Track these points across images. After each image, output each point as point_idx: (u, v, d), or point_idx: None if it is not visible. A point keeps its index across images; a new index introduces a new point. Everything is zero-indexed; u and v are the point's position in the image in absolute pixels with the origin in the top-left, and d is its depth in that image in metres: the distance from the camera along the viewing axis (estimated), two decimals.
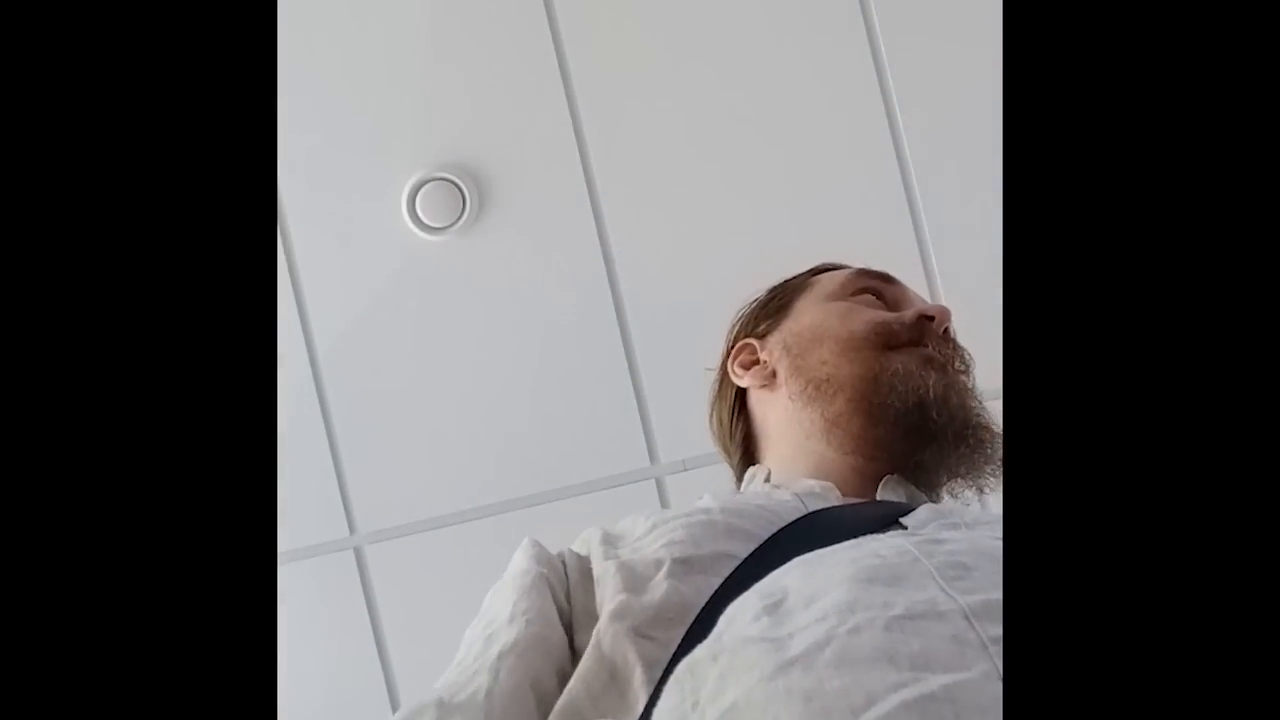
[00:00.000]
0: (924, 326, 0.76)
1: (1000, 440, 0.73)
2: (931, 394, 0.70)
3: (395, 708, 1.40)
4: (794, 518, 0.61)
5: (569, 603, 0.60)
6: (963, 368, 0.76)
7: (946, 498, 0.75)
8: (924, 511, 0.60)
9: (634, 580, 0.57)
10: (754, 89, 1.41)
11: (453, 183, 1.40)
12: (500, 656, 0.55)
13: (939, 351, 0.74)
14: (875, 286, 0.82)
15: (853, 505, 0.65)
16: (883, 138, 1.40)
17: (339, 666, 1.40)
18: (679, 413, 1.37)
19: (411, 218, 1.40)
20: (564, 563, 0.64)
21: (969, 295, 1.35)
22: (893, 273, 0.85)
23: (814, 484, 0.69)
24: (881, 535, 0.54)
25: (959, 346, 0.78)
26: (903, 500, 0.68)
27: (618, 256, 1.41)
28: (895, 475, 0.71)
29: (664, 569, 0.57)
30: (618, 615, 0.54)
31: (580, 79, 1.41)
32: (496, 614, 0.59)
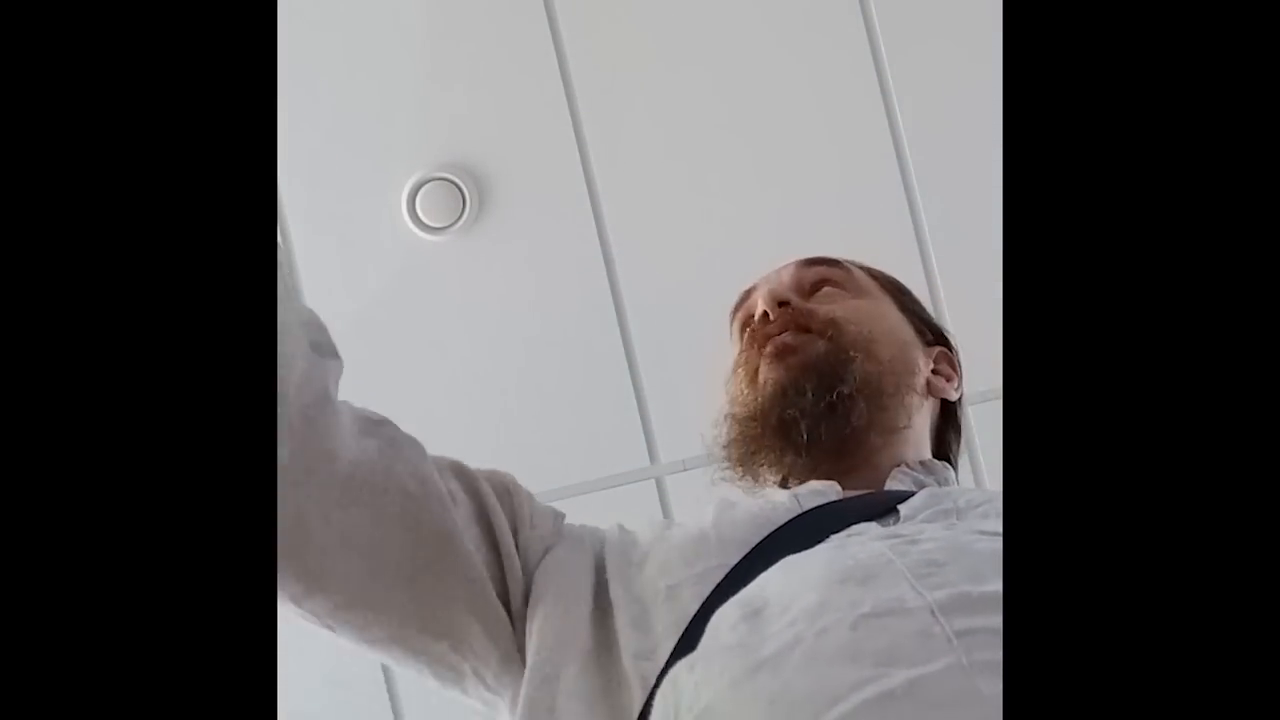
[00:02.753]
0: (756, 334, 0.75)
1: (878, 389, 0.72)
2: (770, 390, 0.71)
3: (395, 708, 1.40)
4: (785, 519, 0.61)
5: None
6: (816, 321, 0.74)
7: (952, 477, 0.75)
8: (921, 497, 0.61)
9: (642, 617, 0.58)
10: (754, 89, 1.41)
11: (453, 183, 1.40)
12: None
13: (777, 339, 0.73)
14: (745, 315, 0.81)
15: (849, 498, 0.66)
16: (883, 138, 1.40)
17: (339, 666, 1.40)
18: (679, 413, 1.37)
19: (411, 218, 1.40)
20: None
21: (969, 295, 1.35)
22: (883, 270, 0.84)
23: (816, 484, 0.70)
24: (869, 533, 0.55)
25: (809, 298, 0.77)
26: (909, 489, 0.68)
27: (618, 256, 1.41)
28: (901, 466, 0.71)
29: (660, 596, 0.58)
30: (628, 656, 0.56)
31: (580, 79, 1.41)
32: None
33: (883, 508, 0.60)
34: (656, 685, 0.48)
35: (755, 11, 1.42)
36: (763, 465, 0.74)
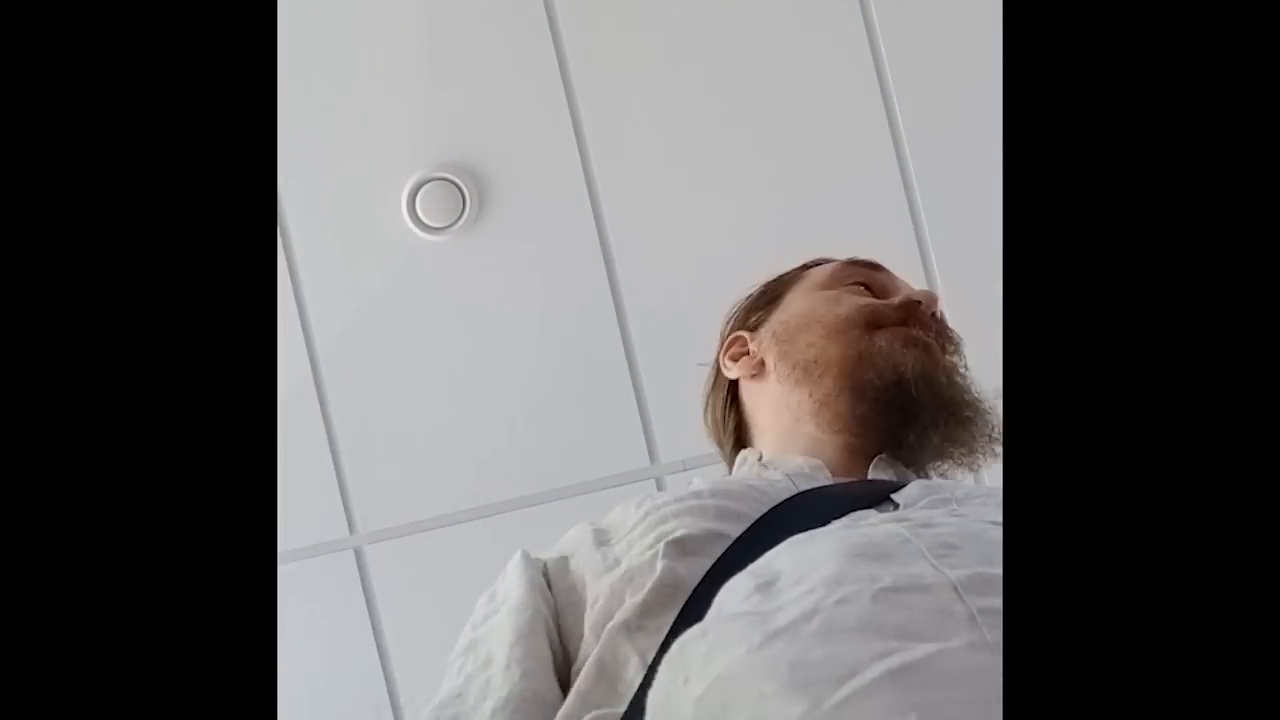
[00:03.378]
0: (911, 309, 0.77)
1: (991, 420, 0.73)
2: (911, 371, 0.71)
3: (395, 708, 1.40)
4: (784, 497, 0.61)
5: (559, 632, 0.60)
6: (951, 348, 0.77)
7: (936, 477, 0.76)
8: (915, 487, 0.61)
9: (637, 589, 0.57)
10: (754, 89, 1.41)
11: (453, 183, 1.40)
12: (493, 714, 0.54)
13: (924, 333, 0.75)
14: (864, 275, 0.83)
15: (843, 484, 0.66)
16: (883, 138, 1.40)
17: (339, 666, 1.40)
18: (679, 413, 1.37)
19: (411, 218, 1.40)
20: (548, 580, 0.63)
21: (969, 294, 1.35)
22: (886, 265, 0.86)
23: (803, 463, 0.70)
24: (874, 517, 0.55)
25: (947, 328, 0.79)
26: (893, 479, 0.69)
27: (618, 256, 1.41)
28: (885, 455, 0.72)
29: (659, 555, 0.57)
30: (609, 618, 0.54)
31: (580, 79, 1.41)
32: (493, 652, 0.58)
33: (879, 496, 0.60)
34: (660, 655, 0.47)
35: (755, 11, 1.42)
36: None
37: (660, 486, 1.39)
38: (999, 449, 0.74)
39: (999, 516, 0.54)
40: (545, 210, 1.42)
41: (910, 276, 0.89)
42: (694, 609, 0.50)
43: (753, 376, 0.81)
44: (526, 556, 0.66)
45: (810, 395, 0.74)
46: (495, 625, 0.61)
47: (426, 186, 1.40)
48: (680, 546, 0.57)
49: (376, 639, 1.40)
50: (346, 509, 1.41)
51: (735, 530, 0.57)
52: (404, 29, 1.43)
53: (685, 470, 1.38)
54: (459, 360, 1.42)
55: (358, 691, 1.40)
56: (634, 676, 0.50)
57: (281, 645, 1.31)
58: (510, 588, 0.63)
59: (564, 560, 0.64)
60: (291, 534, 1.39)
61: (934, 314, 0.78)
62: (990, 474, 0.80)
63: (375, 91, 1.42)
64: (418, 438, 1.41)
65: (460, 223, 1.41)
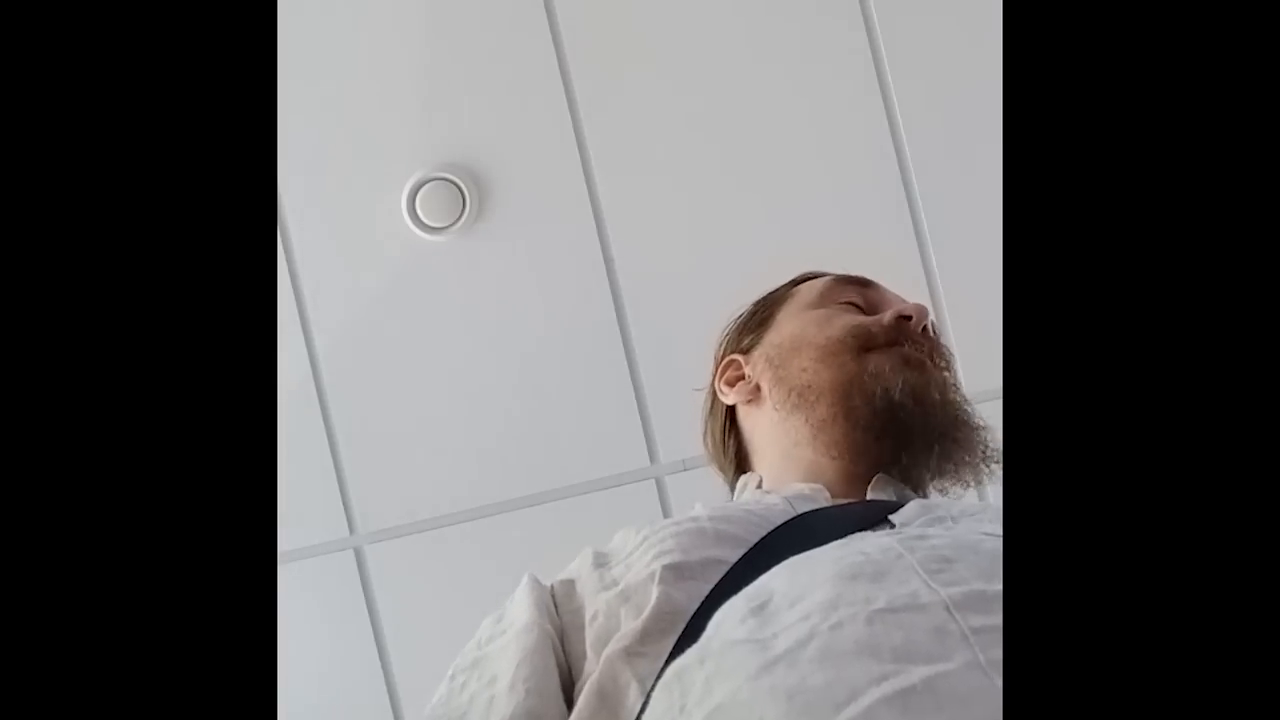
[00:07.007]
0: (901, 327, 0.76)
1: (986, 435, 0.73)
2: (900, 394, 0.71)
3: (395, 708, 1.40)
4: (782, 521, 0.61)
5: (565, 654, 0.60)
6: (943, 364, 0.77)
7: (935, 495, 0.75)
8: (913, 507, 0.60)
9: (633, 609, 0.57)
10: (754, 89, 1.42)
11: (453, 183, 1.40)
12: None
13: (916, 350, 0.75)
14: (853, 291, 0.83)
15: (841, 505, 0.66)
16: (883, 138, 1.40)
17: (339, 666, 1.40)
18: (679, 413, 1.37)
19: (411, 218, 1.40)
20: (555, 603, 0.63)
21: (969, 295, 1.35)
22: (889, 274, 0.85)
23: (804, 487, 0.70)
24: (869, 534, 0.54)
25: (939, 344, 0.79)
26: (892, 499, 0.68)
27: (618, 257, 1.41)
28: (884, 475, 0.72)
29: (655, 578, 0.57)
30: (610, 642, 0.54)
31: (580, 79, 1.42)
32: (498, 671, 0.58)
33: (876, 517, 0.60)
34: (658, 680, 0.47)
35: (756, 12, 1.42)
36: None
37: (660, 486, 1.39)
38: (997, 468, 0.74)
39: (994, 529, 0.54)
40: (545, 210, 1.42)
41: (911, 278, 0.89)
42: (692, 635, 0.50)
43: (749, 401, 0.81)
44: (534, 580, 0.66)
45: (806, 421, 0.74)
46: (502, 645, 0.60)
47: (426, 186, 1.40)
48: (677, 571, 0.57)
49: (376, 639, 1.40)
50: (346, 509, 1.41)
51: (733, 555, 0.57)
52: (404, 30, 1.43)
53: (685, 470, 1.38)
54: (459, 360, 1.42)
55: (358, 691, 1.40)
56: (634, 703, 0.50)
57: (281, 645, 1.31)
58: (518, 610, 0.63)
59: (570, 584, 0.64)
60: (291, 534, 1.39)
61: (925, 328, 0.78)
62: (993, 491, 0.80)
63: (375, 91, 1.42)
64: (418, 438, 1.41)
65: (460, 223, 1.41)
